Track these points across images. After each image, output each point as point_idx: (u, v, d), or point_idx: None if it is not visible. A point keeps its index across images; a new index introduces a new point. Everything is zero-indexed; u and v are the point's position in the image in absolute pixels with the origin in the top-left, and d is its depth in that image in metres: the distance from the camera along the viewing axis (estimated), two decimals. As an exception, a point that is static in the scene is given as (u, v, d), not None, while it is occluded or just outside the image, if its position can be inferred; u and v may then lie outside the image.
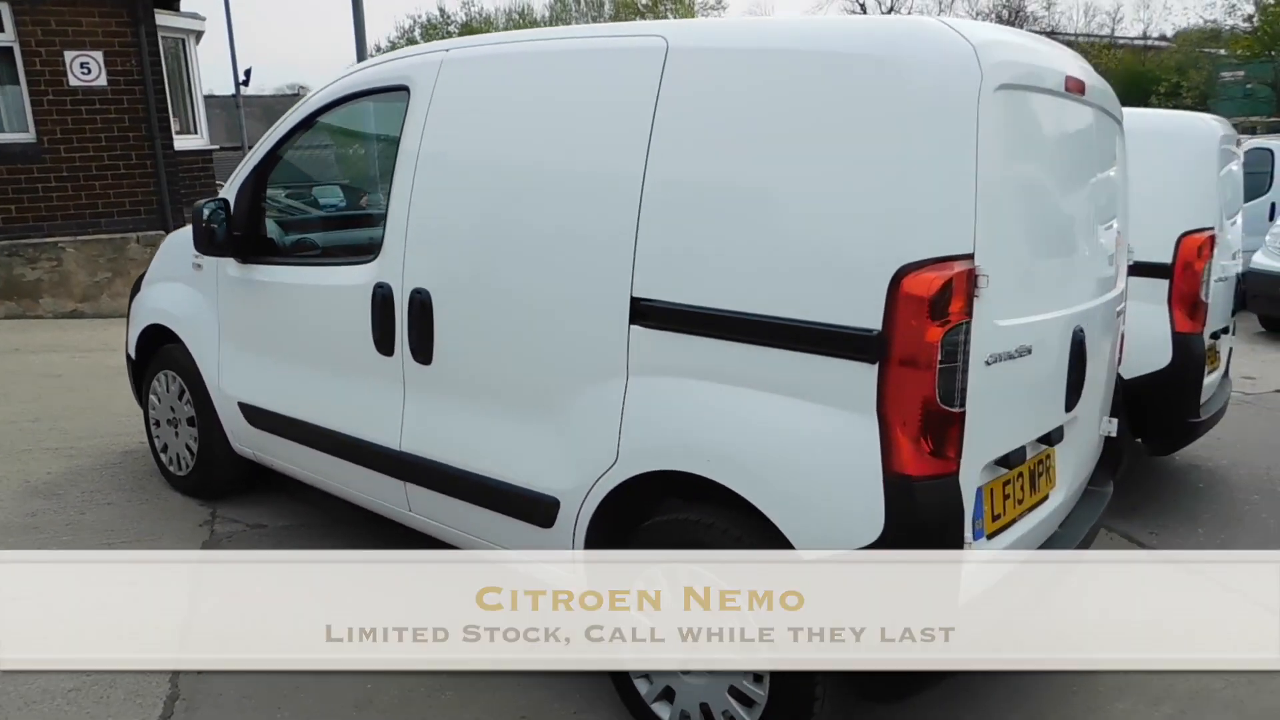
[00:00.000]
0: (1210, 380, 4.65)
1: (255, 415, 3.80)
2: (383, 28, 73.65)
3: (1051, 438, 2.59)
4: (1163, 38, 38.47)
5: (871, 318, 2.07)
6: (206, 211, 3.59)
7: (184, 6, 12.39)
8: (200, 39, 12.69)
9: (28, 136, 9.71)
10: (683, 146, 2.41)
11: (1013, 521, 2.48)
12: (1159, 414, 4.36)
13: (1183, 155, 4.34)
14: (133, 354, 4.51)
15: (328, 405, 3.45)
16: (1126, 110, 4.75)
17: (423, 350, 3.00)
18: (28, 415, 5.58)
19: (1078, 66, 2.59)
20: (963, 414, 2.09)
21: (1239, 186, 5.25)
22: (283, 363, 3.67)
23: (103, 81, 9.89)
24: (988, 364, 2.14)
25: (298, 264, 3.67)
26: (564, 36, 2.90)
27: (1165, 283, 4.24)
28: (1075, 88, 2.50)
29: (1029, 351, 2.31)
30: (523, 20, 45.79)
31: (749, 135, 2.30)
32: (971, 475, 2.19)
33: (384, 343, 3.12)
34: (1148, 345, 4.26)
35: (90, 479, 4.55)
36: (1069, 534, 2.89)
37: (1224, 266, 4.52)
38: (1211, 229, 4.25)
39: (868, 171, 2.10)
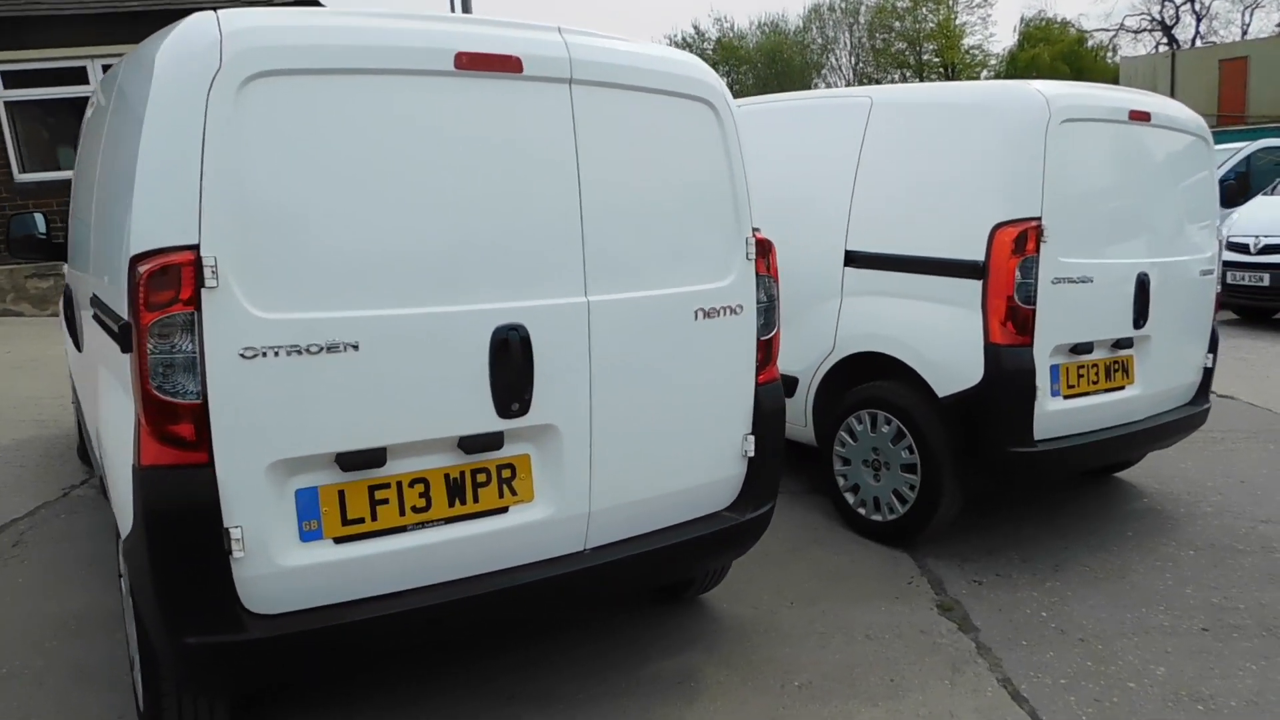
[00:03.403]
0: (1091, 403, 3.82)
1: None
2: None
3: (467, 444, 2.36)
4: None
5: (124, 306, 2.08)
6: (11, 224, 4.29)
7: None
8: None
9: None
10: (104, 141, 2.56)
11: (402, 529, 2.31)
12: (976, 440, 3.67)
13: (1000, 132, 3.60)
14: None
15: None
16: (944, 85, 4.07)
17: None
18: (48, 393, 6.71)
19: (503, 39, 2.31)
20: (201, 406, 2.02)
21: (1206, 187, 4.25)
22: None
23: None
24: (246, 357, 2.05)
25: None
26: None
27: (979, 284, 3.58)
28: (480, 64, 2.26)
29: (355, 347, 2.16)
30: (774, 33, 45.69)
31: (118, 129, 2.41)
32: (252, 472, 2.10)
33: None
34: (960, 359, 3.63)
35: (39, 446, 5.42)
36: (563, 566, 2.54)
37: (1074, 266, 3.65)
38: (1035, 219, 3.50)
39: (134, 162, 2.10)
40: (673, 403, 2.70)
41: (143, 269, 1.98)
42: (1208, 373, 4.43)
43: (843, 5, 44.99)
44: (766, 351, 2.94)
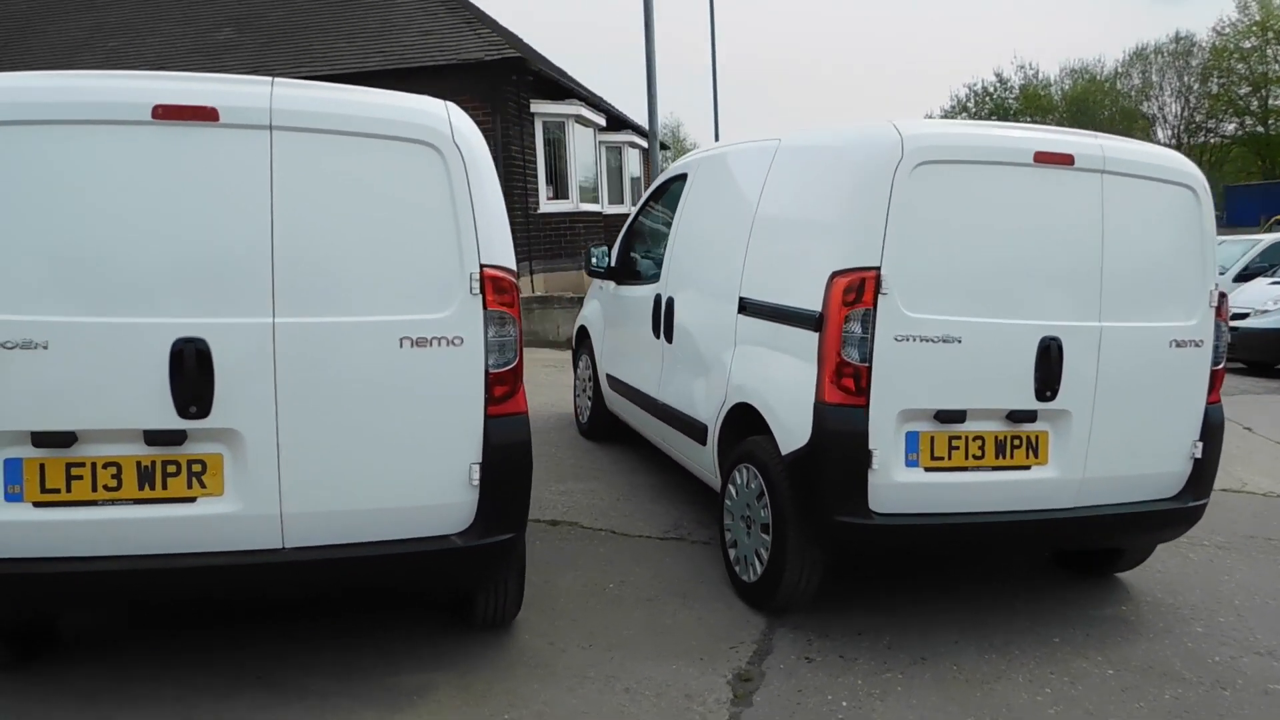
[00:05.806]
0: (971, 480, 3.39)
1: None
2: (937, 98, 74.04)
3: (151, 438, 2.73)
4: None
5: None
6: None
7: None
8: (582, 121, 15.23)
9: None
10: None
11: (94, 503, 2.72)
12: (806, 507, 3.39)
13: (847, 176, 3.33)
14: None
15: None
16: (831, 125, 3.78)
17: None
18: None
19: (202, 92, 2.68)
20: None
21: (1189, 242, 3.59)
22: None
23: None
24: None
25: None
26: None
27: (818, 336, 3.34)
28: (177, 115, 2.63)
29: (45, 347, 2.60)
30: (1086, 78, 42.05)
31: None
32: None
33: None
34: (799, 416, 3.42)
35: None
36: None
37: (931, 323, 3.25)
38: (873, 268, 3.20)
39: None
40: (375, 423, 2.88)
41: None
42: (1199, 464, 3.68)
43: (1171, 47, 40.42)
44: (512, 384, 3.02)
